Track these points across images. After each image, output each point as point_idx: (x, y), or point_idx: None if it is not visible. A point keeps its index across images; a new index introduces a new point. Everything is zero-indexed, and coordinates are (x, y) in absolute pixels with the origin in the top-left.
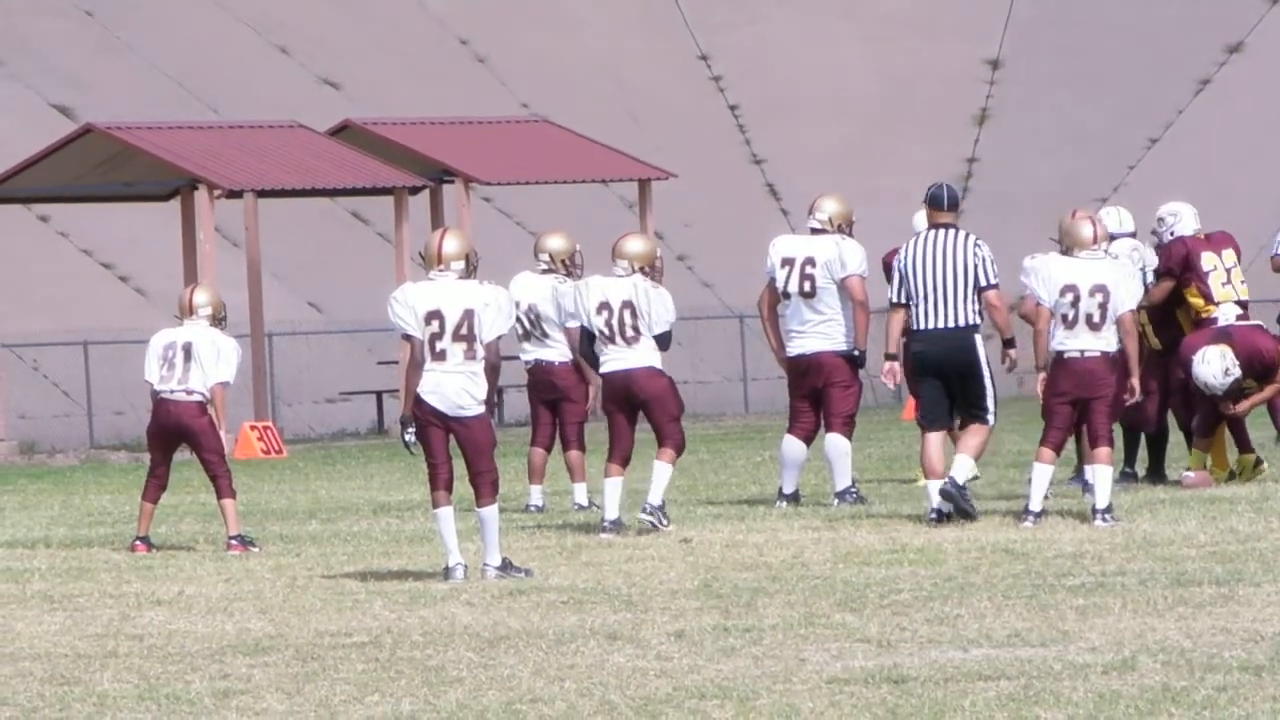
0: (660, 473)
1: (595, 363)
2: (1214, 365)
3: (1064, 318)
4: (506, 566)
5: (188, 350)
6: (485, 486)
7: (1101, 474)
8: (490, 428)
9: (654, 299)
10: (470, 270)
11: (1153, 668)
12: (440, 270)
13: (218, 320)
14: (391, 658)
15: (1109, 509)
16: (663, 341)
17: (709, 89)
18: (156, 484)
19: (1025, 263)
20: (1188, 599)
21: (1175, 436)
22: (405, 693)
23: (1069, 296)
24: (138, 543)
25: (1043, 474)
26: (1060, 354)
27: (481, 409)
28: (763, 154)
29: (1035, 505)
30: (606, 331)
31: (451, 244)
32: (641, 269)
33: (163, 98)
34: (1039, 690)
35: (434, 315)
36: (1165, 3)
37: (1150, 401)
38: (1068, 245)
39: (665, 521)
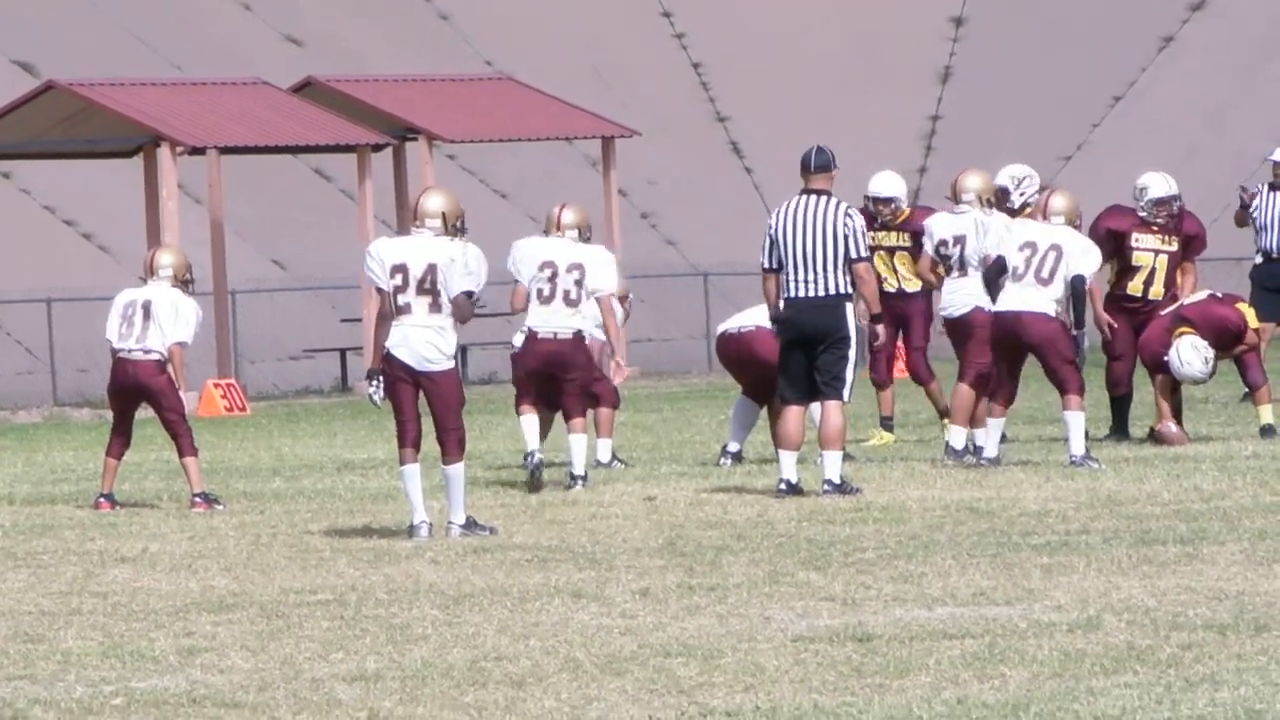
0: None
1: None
2: (1194, 363)
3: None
4: (471, 524)
5: (146, 309)
6: (452, 444)
7: (1076, 420)
8: (458, 384)
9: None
10: (450, 229)
11: (1117, 626)
12: (417, 226)
13: (181, 281)
14: (356, 615)
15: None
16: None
17: (672, 46)
18: (119, 441)
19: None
20: (1152, 558)
21: (1135, 396)
22: (370, 650)
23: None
24: (101, 500)
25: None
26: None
27: (450, 364)
28: (726, 112)
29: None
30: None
31: (430, 202)
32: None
33: (125, 54)
34: (1004, 649)
35: (399, 269)
36: None
37: (1121, 364)
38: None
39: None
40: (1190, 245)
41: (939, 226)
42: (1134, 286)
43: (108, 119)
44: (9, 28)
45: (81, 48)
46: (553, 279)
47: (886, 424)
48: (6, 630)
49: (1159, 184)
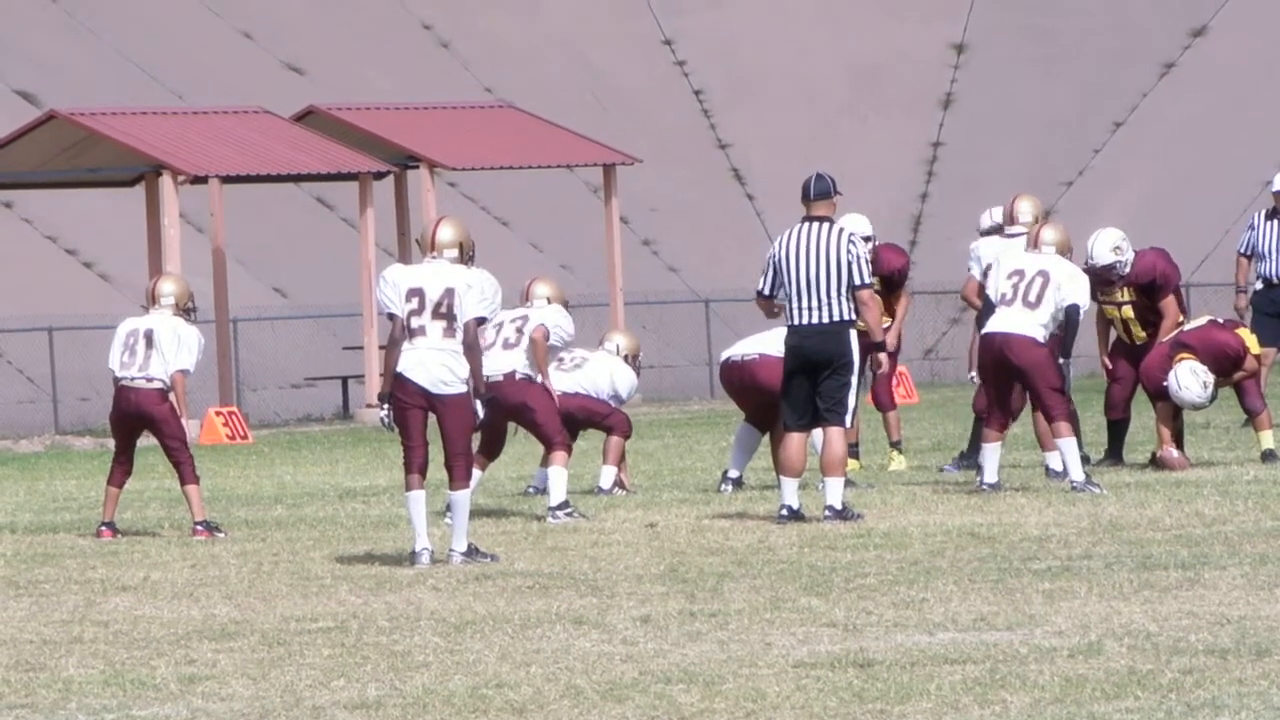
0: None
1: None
2: (1192, 388)
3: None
4: (472, 552)
5: (149, 337)
6: (460, 470)
7: (1068, 447)
8: (471, 408)
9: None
10: (465, 259)
11: (1119, 651)
12: (433, 256)
13: (183, 310)
14: (357, 643)
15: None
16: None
17: (673, 73)
18: (121, 470)
19: (972, 246)
20: (1153, 583)
21: (1137, 422)
22: (371, 678)
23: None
24: (103, 528)
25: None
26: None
27: (464, 388)
28: (728, 139)
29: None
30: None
31: (446, 232)
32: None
33: (127, 83)
34: (1005, 674)
35: (415, 293)
36: None
37: (1120, 387)
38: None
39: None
40: (1151, 291)
41: (988, 252)
42: (1120, 333)
43: (109, 148)
44: (11, 57)
45: (83, 77)
46: (423, 311)
47: (896, 446)
48: (8, 659)
49: (1100, 251)
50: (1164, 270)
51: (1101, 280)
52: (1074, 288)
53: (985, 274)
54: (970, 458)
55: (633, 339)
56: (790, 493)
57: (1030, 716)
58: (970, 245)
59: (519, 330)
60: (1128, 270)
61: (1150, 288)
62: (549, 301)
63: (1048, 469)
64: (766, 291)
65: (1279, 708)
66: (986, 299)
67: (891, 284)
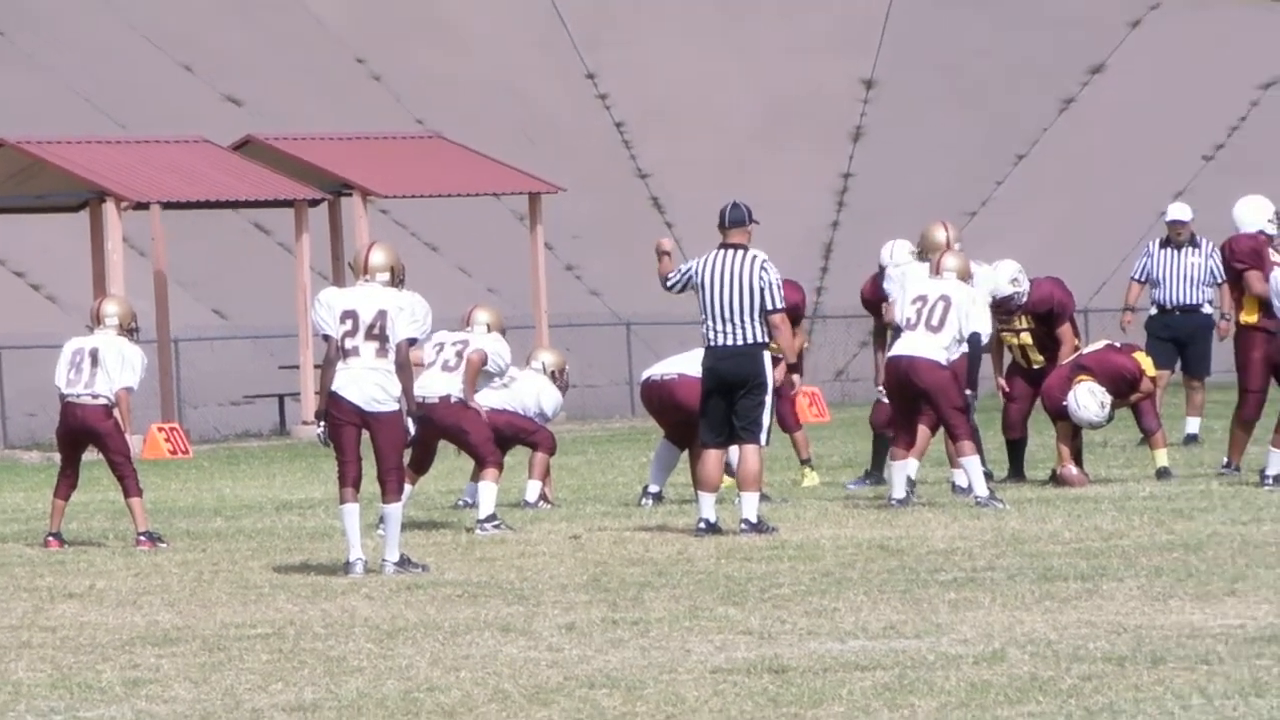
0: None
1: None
2: (1090, 407)
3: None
4: (404, 562)
5: (94, 356)
6: (392, 484)
7: (972, 465)
8: (402, 425)
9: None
10: (396, 282)
11: (1021, 658)
12: (366, 280)
13: (126, 330)
14: (294, 648)
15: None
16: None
17: (595, 106)
18: (67, 483)
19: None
20: (1054, 593)
21: (1038, 440)
22: (308, 681)
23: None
24: (50, 538)
25: (900, 468)
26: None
27: (396, 405)
28: (647, 168)
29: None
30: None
31: (378, 256)
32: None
33: (72, 113)
34: (913, 680)
35: (349, 315)
36: (1031, 25)
37: (1017, 408)
38: (923, 249)
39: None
40: (1047, 318)
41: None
42: (1017, 358)
43: (55, 175)
44: None
45: (30, 107)
46: (356, 332)
47: (807, 464)
48: None
49: (999, 282)
50: (1060, 299)
51: (1001, 309)
52: (977, 317)
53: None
54: (874, 474)
55: (558, 355)
56: (708, 507)
57: (938, 719)
58: (886, 264)
59: (459, 354)
60: (1025, 300)
61: (1047, 316)
62: (488, 329)
63: (953, 485)
64: (673, 282)
65: (1173, 713)
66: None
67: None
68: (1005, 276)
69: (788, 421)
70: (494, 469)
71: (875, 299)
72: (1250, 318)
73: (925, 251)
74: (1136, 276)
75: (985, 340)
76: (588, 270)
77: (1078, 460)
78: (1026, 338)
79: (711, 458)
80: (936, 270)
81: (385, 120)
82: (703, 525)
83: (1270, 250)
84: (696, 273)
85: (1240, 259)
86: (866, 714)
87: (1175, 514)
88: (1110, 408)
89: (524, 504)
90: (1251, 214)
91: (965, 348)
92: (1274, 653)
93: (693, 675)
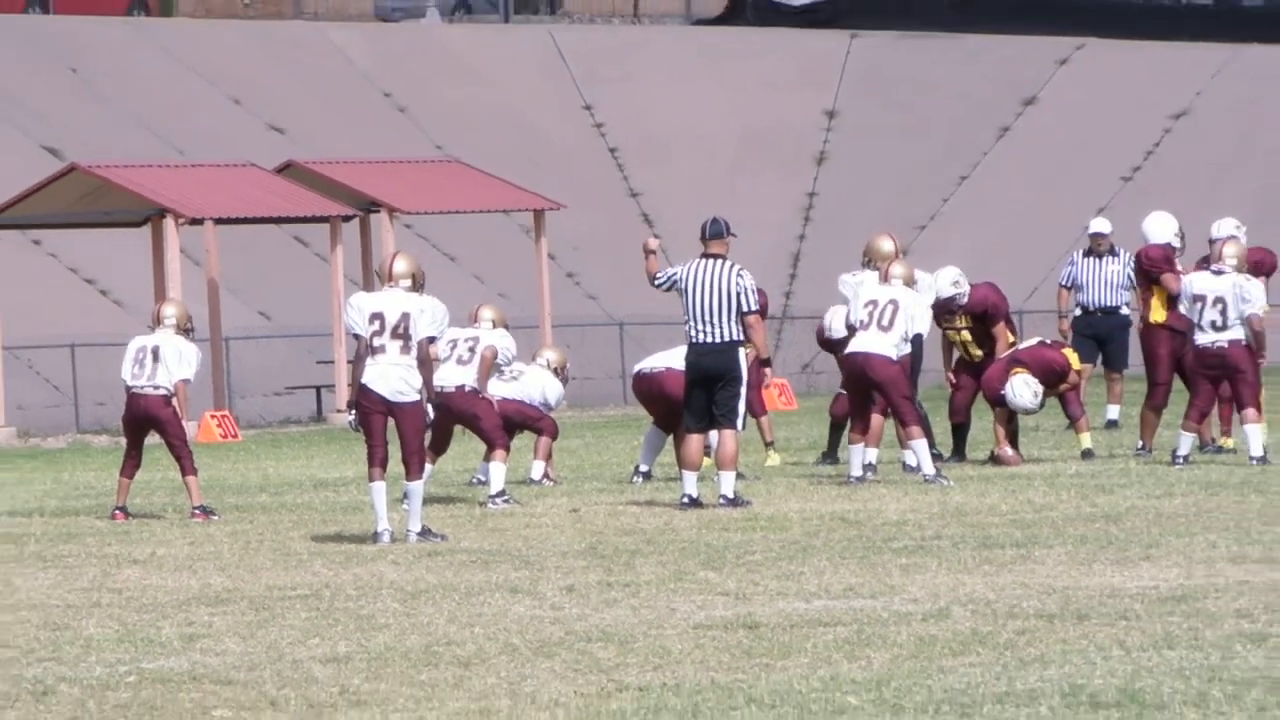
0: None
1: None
2: (1024, 396)
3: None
4: (426, 532)
5: (155, 353)
6: (415, 464)
7: (920, 447)
8: (423, 413)
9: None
10: (417, 287)
11: (963, 615)
12: (391, 285)
13: (183, 329)
14: (329, 608)
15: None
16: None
17: (593, 134)
18: (132, 463)
19: (842, 277)
20: (992, 559)
21: (978, 425)
22: (341, 636)
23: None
24: (117, 512)
25: (858, 450)
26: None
27: (417, 397)
28: (638, 188)
29: (856, 471)
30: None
31: (401, 265)
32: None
33: (136, 141)
34: (869, 634)
35: (376, 316)
36: (972, 63)
37: (961, 396)
38: (870, 257)
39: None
40: (983, 318)
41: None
42: (961, 353)
43: (121, 195)
44: (39, 119)
45: (99, 136)
46: (383, 332)
47: (771, 446)
48: (38, 620)
49: (942, 285)
50: (994, 301)
51: (943, 310)
52: (920, 319)
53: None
54: (830, 456)
55: (560, 353)
56: (690, 483)
57: (890, 670)
58: (842, 276)
59: (471, 349)
60: (965, 301)
61: (983, 316)
62: (494, 325)
63: (904, 465)
64: (660, 280)
65: (1096, 663)
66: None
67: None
68: (947, 280)
69: (754, 408)
70: (503, 451)
71: (828, 343)
72: (1158, 317)
73: (872, 260)
74: (1064, 283)
75: (925, 339)
76: (586, 277)
77: (1014, 442)
78: (966, 335)
79: (694, 441)
80: (885, 277)
81: (408, 147)
82: (686, 500)
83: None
84: (681, 278)
85: (1154, 265)
86: (828, 664)
87: (1098, 489)
88: (1041, 397)
89: (529, 481)
90: (1159, 228)
91: (909, 347)
92: (1183, 610)
93: (677, 631)
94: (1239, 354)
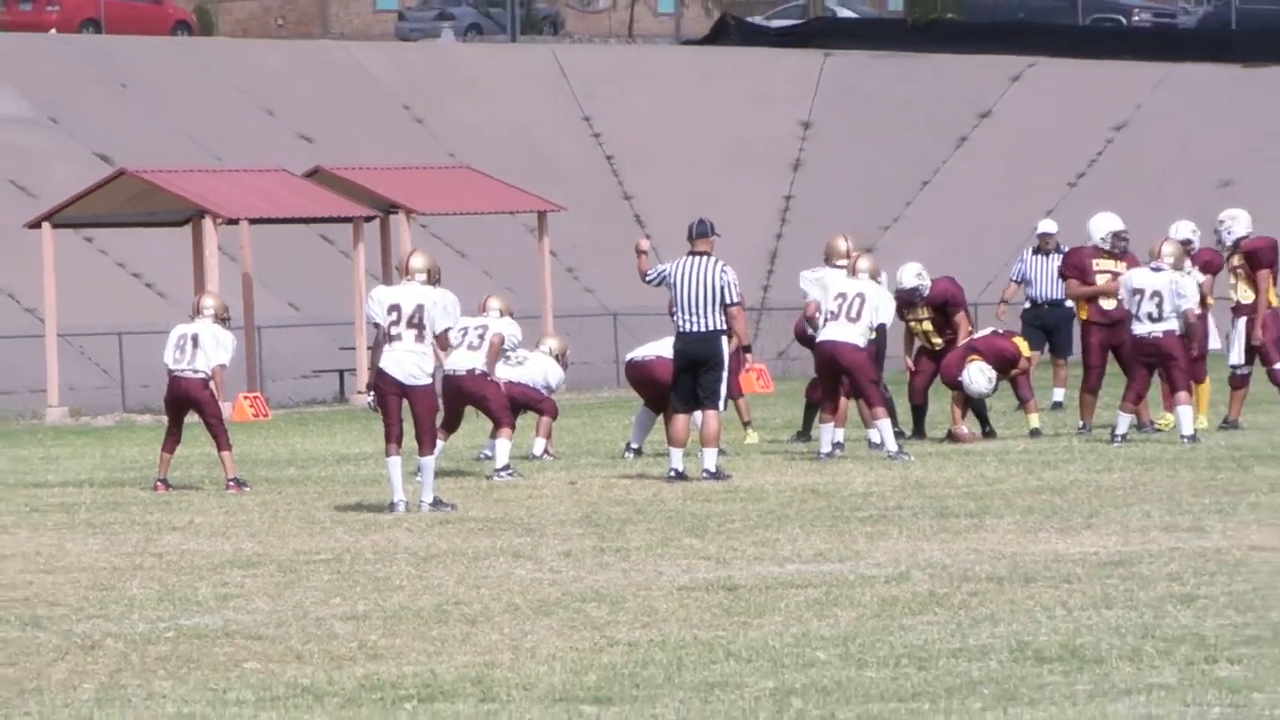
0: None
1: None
2: (979, 381)
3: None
4: (437, 503)
5: (195, 340)
6: (427, 441)
7: (884, 426)
8: (434, 396)
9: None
10: (432, 281)
11: (922, 579)
12: (408, 279)
13: (220, 319)
14: (350, 570)
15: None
16: (439, 338)
17: (591, 143)
18: (172, 439)
19: (802, 273)
20: (948, 527)
21: (936, 406)
22: (360, 597)
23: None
24: (158, 483)
25: (828, 430)
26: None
27: (429, 380)
28: (631, 192)
29: (825, 448)
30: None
31: (417, 260)
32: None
33: (179, 149)
34: (837, 595)
35: (394, 308)
36: (933, 80)
37: (920, 380)
38: (828, 255)
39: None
40: (943, 309)
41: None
42: (922, 342)
43: (165, 197)
44: (92, 129)
45: (146, 144)
46: (400, 321)
47: (748, 425)
48: (87, 581)
49: (906, 278)
50: (953, 294)
51: (906, 301)
52: (884, 311)
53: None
54: (803, 435)
55: (561, 341)
56: (677, 459)
57: (856, 628)
58: (802, 272)
59: (480, 336)
60: (927, 293)
61: (943, 307)
62: (501, 314)
63: (869, 442)
64: (651, 277)
65: (1041, 621)
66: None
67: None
68: (911, 273)
69: (733, 390)
70: (508, 429)
71: (805, 335)
72: (1083, 315)
73: (830, 258)
74: (1014, 278)
75: (887, 328)
76: (583, 272)
77: (985, 421)
78: (928, 325)
79: (680, 420)
80: (853, 272)
81: (424, 154)
82: (673, 473)
83: (1109, 259)
84: (670, 274)
85: (1064, 271)
86: (800, 622)
87: (1044, 464)
88: (995, 381)
89: (531, 457)
90: (1096, 228)
91: (875, 335)
92: (1120, 574)
93: (663, 592)
94: (1172, 343)
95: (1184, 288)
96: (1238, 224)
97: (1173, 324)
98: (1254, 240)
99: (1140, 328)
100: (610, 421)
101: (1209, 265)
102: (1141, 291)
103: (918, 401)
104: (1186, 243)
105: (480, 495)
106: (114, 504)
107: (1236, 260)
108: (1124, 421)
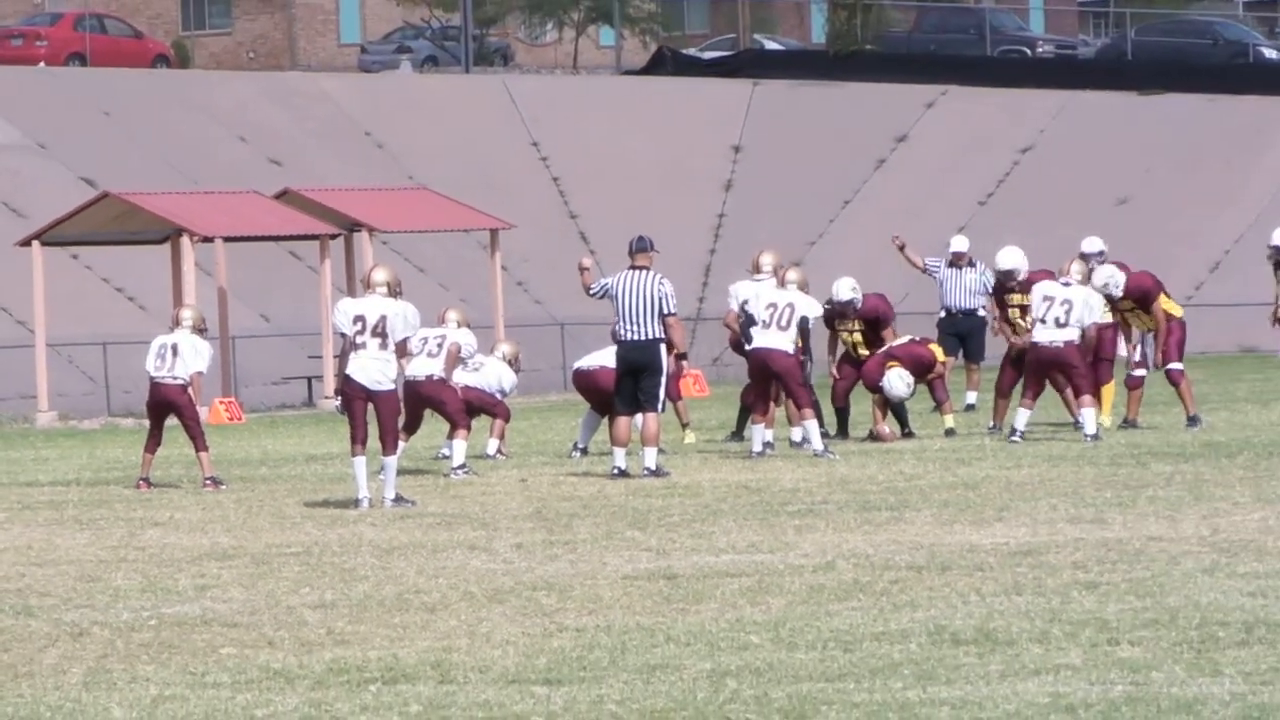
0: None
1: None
2: (898, 386)
3: (764, 322)
4: (399, 499)
5: (174, 349)
6: (390, 442)
7: (811, 426)
8: (397, 400)
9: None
10: (394, 293)
11: (846, 568)
12: (371, 292)
13: (197, 329)
14: (318, 562)
15: (826, 449)
16: (400, 347)
17: (539, 165)
18: (153, 441)
19: (730, 287)
20: (871, 520)
21: (859, 408)
22: (328, 586)
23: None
24: (141, 482)
25: (759, 430)
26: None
27: (392, 386)
28: (576, 211)
29: (757, 447)
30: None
31: (380, 274)
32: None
33: (158, 173)
34: (768, 584)
35: (359, 319)
36: (853, 107)
37: (843, 384)
38: (755, 268)
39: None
40: (874, 324)
41: (743, 291)
42: (848, 349)
43: (146, 217)
44: (78, 154)
45: (128, 168)
46: (364, 331)
47: (686, 426)
48: (75, 573)
49: (841, 291)
50: (883, 311)
51: (839, 314)
52: (810, 309)
53: (741, 306)
54: (739, 435)
55: (514, 345)
56: (619, 457)
57: (785, 613)
58: (729, 286)
59: (439, 345)
60: (859, 307)
61: (874, 322)
62: (458, 324)
63: (795, 441)
64: (594, 290)
65: (956, 606)
66: (745, 322)
67: None
68: (846, 287)
69: (671, 393)
70: (464, 430)
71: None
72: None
73: (756, 270)
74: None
75: (812, 322)
76: (532, 285)
77: (904, 423)
78: (857, 337)
79: (622, 422)
80: (782, 283)
81: (385, 177)
82: (615, 471)
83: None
84: (612, 287)
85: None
86: (734, 609)
87: (958, 461)
88: (913, 386)
89: (486, 456)
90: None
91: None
92: (1029, 562)
93: (608, 581)
94: (1071, 352)
95: (1093, 303)
96: (1115, 279)
97: (1074, 334)
98: (1135, 279)
99: (1043, 334)
100: (558, 423)
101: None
102: (1052, 299)
103: (840, 404)
104: (1099, 254)
105: (438, 492)
106: (100, 501)
107: (1128, 304)
108: (1022, 418)
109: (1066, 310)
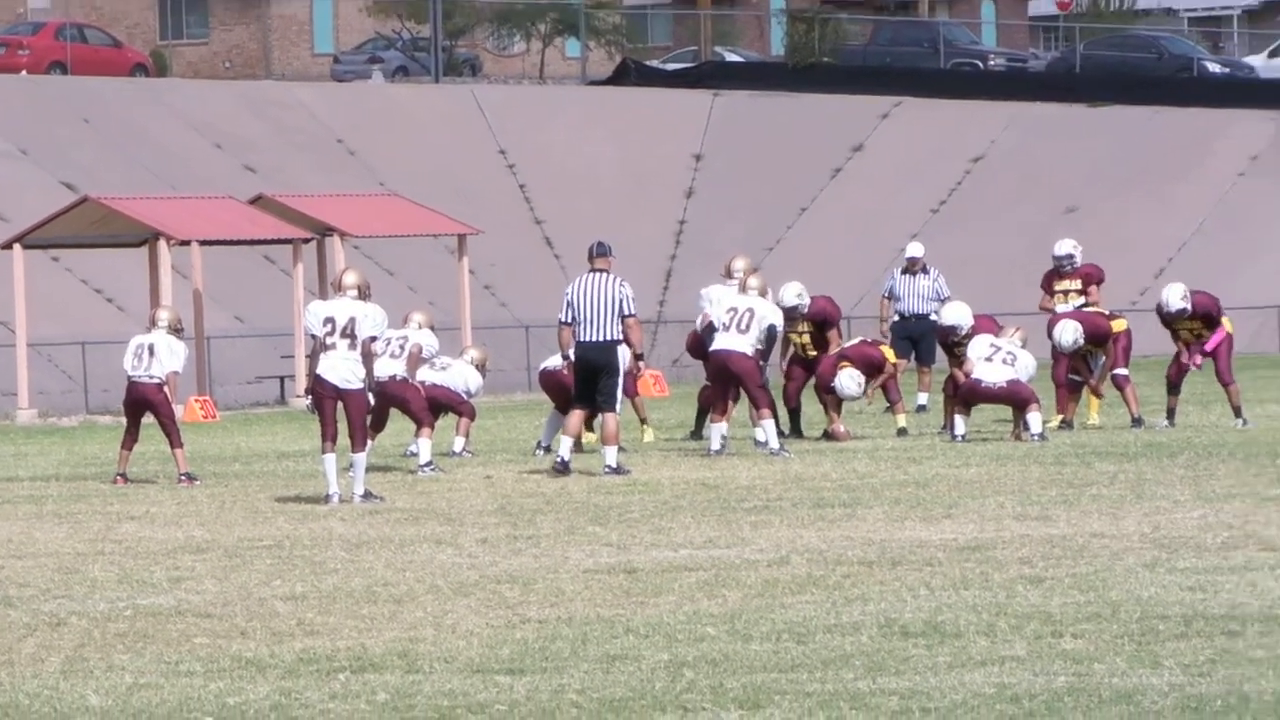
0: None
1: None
2: (850, 386)
3: (724, 326)
4: (368, 495)
5: (151, 348)
6: (358, 439)
7: (768, 426)
8: (366, 399)
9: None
10: (363, 296)
11: (801, 562)
12: (341, 294)
13: (173, 329)
14: (289, 555)
15: (781, 447)
16: (367, 347)
17: (505, 173)
18: (130, 438)
19: (703, 291)
20: (824, 516)
21: (813, 408)
22: (298, 579)
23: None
24: (118, 477)
25: (717, 429)
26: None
27: (361, 385)
28: (541, 217)
29: (715, 446)
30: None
31: (350, 277)
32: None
33: (137, 178)
34: (725, 577)
35: (329, 320)
36: (810, 117)
37: (794, 385)
38: (727, 271)
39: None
40: (821, 325)
41: (715, 294)
42: (798, 351)
43: (125, 221)
44: (59, 160)
45: (107, 173)
46: (334, 332)
47: (645, 423)
48: (53, 565)
49: (787, 296)
50: (830, 312)
51: (788, 316)
52: (774, 316)
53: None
54: (697, 434)
55: (482, 351)
56: (565, 447)
57: (742, 606)
58: (701, 290)
59: (402, 346)
60: (806, 310)
61: (821, 323)
62: (420, 326)
63: (755, 440)
64: (565, 320)
65: (906, 600)
66: (707, 328)
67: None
68: (792, 292)
69: (628, 390)
70: (428, 429)
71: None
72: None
73: (729, 275)
74: (885, 295)
75: (778, 329)
76: (499, 289)
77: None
78: (806, 338)
79: (575, 415)
80: (743, 288)
81: (357, 183)
82: (559, 462)
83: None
84: (571, 292)
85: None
86: (692, 601)
87: (909, 460)
88: (864, 386)
89: (452, 453)
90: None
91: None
92: (977, 558)
93: (570, 574)
94: (1023, 389)
95: (1021, 356)
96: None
97: (1016, 374)
98: (1199, 300)
99: (986, 376)
100: (523, 422)
101: (1089, 277)
102: (999, 348)
103: (792, 405)
104: (1068, 257)
105: (406, 488)
106: (78, 496)
107: (1195, 325)
108: (960, 422)
109: (1003, 359)
